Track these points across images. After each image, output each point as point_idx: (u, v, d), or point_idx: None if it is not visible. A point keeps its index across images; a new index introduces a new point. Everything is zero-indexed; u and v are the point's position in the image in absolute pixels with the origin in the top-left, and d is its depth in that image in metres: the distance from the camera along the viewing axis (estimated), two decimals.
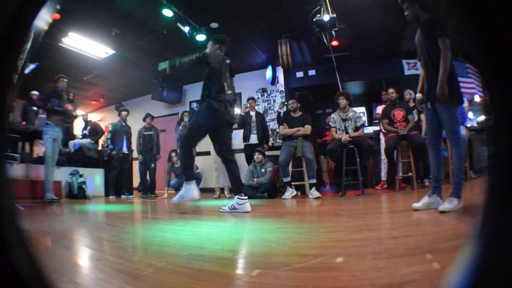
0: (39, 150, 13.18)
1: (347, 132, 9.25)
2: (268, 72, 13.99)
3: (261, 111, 13.53)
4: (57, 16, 9.22)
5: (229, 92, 6.55)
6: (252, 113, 11.50)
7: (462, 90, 4.93)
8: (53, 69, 12.76)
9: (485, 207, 0.79)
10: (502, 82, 0.74)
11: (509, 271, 0.71)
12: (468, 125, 10.27)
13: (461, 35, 0.82)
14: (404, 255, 2.29)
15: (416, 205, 4.87)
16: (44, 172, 9.29)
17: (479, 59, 0.79)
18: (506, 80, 0.74)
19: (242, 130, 12.18)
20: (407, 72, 12.33)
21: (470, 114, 10.99)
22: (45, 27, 8.18)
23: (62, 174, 10.90)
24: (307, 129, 9.58)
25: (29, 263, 0.93)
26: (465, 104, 6.17)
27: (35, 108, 13.19)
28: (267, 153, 11.36)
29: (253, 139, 11.29)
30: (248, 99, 11.91)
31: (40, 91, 13.43)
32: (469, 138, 9.52)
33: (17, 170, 10.05)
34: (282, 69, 13.82)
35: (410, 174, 9.01)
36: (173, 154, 12.09)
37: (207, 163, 13.15)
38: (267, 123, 12.62)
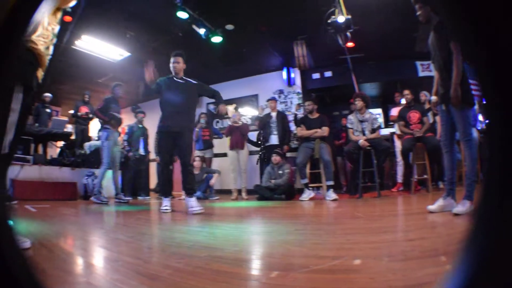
0: (52, 152, 13.24)
1: (364, 134, 9.21)
2: (285, 73, 13.96)
3: None
4: (69, 18, 9.26)
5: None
6: (273, 114, 11.40)
7: (474, 92, 4.92)
8: (66, 71, 12.85)
9: (481, 208, 0.81)
10: (497, 83, 0.76)
11: (506, 273, 0.72)
12: (479, 128, 10.22)
13: (460, 35, 0.84)
14: (420, 257, 2.31)
15: (431, 207, 4.89)
16: (101, 176, 9.54)
17: (476, 60, 0.81)
18: (500, 82, 0.76)
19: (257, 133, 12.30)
20: (421, 74, 12.30)
21: (480, 117, 10.95)
22: (64, 29, 8.32)
23: (77, 176, 10.96)
24: (324, 130, 9.49)
25: (21, 264, 0.95)
26: (476, 106, 6.18)
27: (48, 110, 13.25)
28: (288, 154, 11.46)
29: (273, 139, 11.17)
30: (268, 100, 11.88)
31: (51, 93, 13.50)
32: (479, 141, 9.48)
33: (30, 171, 10.14)
34: (298, 71, 13.82)
35: (425, 176, 8.98)
36: (197, 158, 11.97)
37: (224, 165, 13.12)
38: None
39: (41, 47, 3.08)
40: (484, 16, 0.76)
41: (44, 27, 3.12)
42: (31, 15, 0.98)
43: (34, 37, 2.99)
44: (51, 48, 3.28)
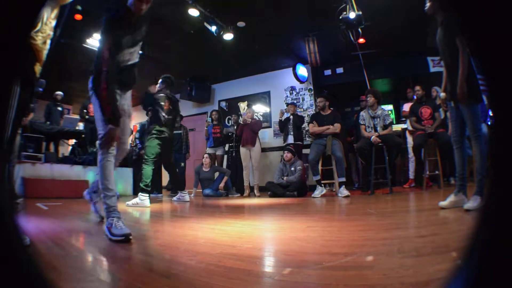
0: (64, 150, 13.27)
1: (376, 130, 9.21)
2: (301, 70, 13.94)
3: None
4: (79, 17, 9.29)
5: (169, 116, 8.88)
6: (291, 117, 11.81)
7: (482, 88, 4.92)
8: (77, 70, 12.89)
9: (486, 206, 0.80)
10: (502, 79, 0.76)
11: (508, 271, 0.72)
12: (490, 123, 10.18)
13: (466, 31, 0.84)
14: (432, 254, 2.30)
15: (442, 203, 4.89)
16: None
17: (482, 56, 0.81)
18: (505, 77, 0.75)
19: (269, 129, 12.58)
20: (432, 69, 12.26)
21: (491, 112, 10.91)
22: (64, 28, 8.32)
23: (89, 174, 11.00)
24: (336, 127, 9.50)
25: (29, 262, 0.96)
26: (486, 102, 6.16)
27: (59, 108, 13.30)
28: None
29: (290, 139, 11.57)
30: (288, 105, 12.56)
31: (63, 91, 13.54)
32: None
33: (41, 170, 10.20)
34: (310, 67, 13.85)
35: (437, 172, 8.98)
36: (205, 155, 12.03)
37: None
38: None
39: (39, 42, 3.15)
40: (489, 12, 0.75)
41: (44, 22, 3.18)
42: (38, 12, 0.98)
43: (32, 32, 3.05)
44: (48, 42, 3.33)
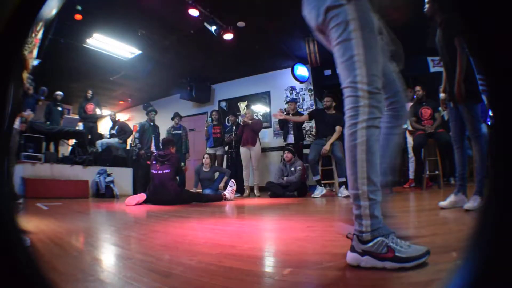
0: (64, 150, 13.27)
1: None
2: (301, 70, 13.90)
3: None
4: (79, 17, 9.28)
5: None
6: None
7: (482, 88, 4.91)
8: (77, 70, 12.89)
9: (486, 206, 0.81)
10: (501, 83, 0.76)
11: (509, 271, 0.72)
12: (490, 123, 10.15)
13: (464, 31, 0.85)
14: (432, 253, 2.29)
15: (442, 203, 4.90)
16: None
17: (480, 59, 0.81)
18: (504, 77, 0.75)
19: (269, 129, 12.55)
20: (432, 69, 12.23)
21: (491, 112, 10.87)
22: (56, 25, 8.25)
23: (89, 174, 10.99)
24: (338, 131, 9.45)
25: (29, 262, 0.95)
26: (486, 102, 6.14)
27: (59, 109, 13.30)
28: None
29: (290, 138, 11.50)
30: (288, 103, 12.31)
31: (63, 91, 13.54)
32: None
33: (42, 170, 10.20)
34: (310, 67, 13.81)
35: (437, 172, 8.99)
36: (206, 156, 11.97)
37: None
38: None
39: (26, 52, 3.17)
40: (488, 12, 0.75)
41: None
42: (33, 20, 0.98)
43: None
44: (35, 51, 3.36)
